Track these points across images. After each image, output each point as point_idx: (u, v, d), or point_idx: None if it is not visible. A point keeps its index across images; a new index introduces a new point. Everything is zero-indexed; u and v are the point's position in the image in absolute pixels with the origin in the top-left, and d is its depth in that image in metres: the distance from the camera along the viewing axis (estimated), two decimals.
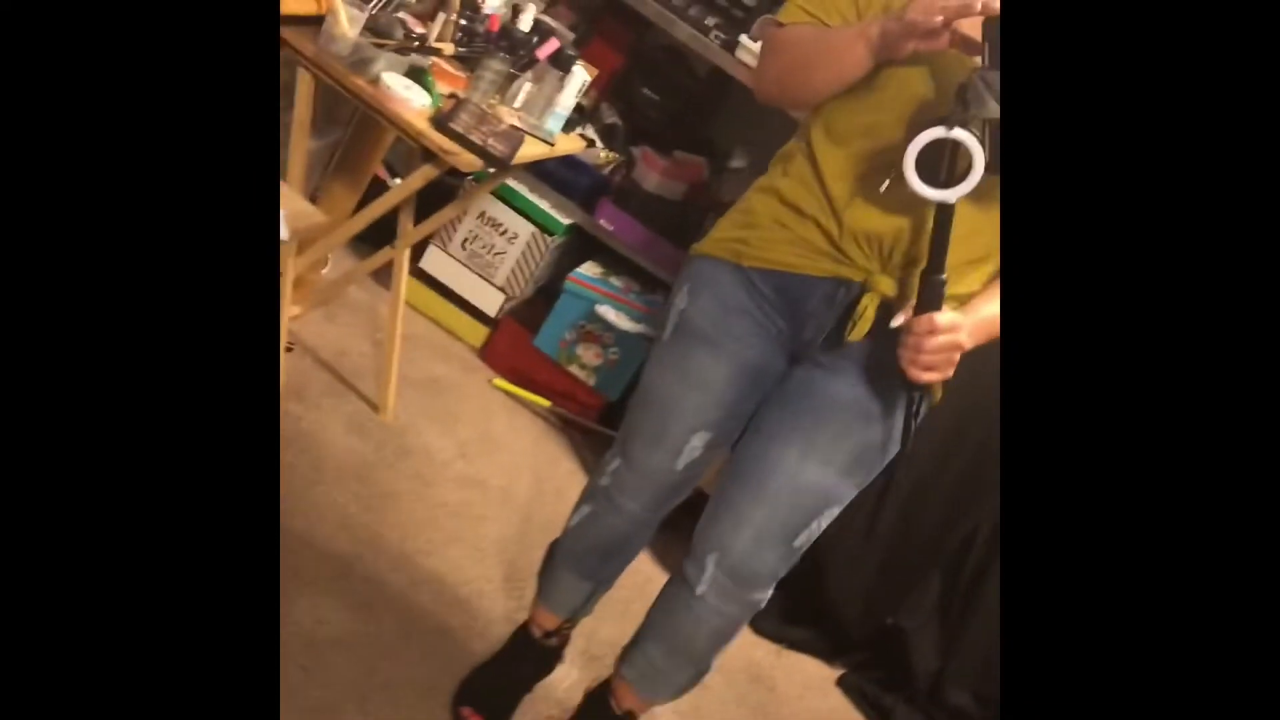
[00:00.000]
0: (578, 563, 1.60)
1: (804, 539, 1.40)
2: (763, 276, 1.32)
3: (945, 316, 1.20)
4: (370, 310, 2.59)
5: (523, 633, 1.70)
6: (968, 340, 1.23)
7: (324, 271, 2.44)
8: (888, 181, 1.19)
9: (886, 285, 1.27)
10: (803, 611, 2.32)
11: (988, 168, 1.10)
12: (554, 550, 1.63)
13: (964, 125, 1.10)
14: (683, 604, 1.48)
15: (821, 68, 1.24)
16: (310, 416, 2.12)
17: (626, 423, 1.48)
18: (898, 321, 1.23)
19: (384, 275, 2.33)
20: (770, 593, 1.47)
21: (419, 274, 2.66)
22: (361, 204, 2.11)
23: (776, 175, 1.34)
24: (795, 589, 2.28)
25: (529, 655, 1.70)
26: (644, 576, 2.25)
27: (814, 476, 1.36)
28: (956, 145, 1.11)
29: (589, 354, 2.58)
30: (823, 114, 1.29)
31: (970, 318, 1.24)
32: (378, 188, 2.27)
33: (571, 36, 2.07)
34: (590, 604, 1.66)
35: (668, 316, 1.40)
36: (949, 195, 1.13)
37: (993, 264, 1.30)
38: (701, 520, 1.45)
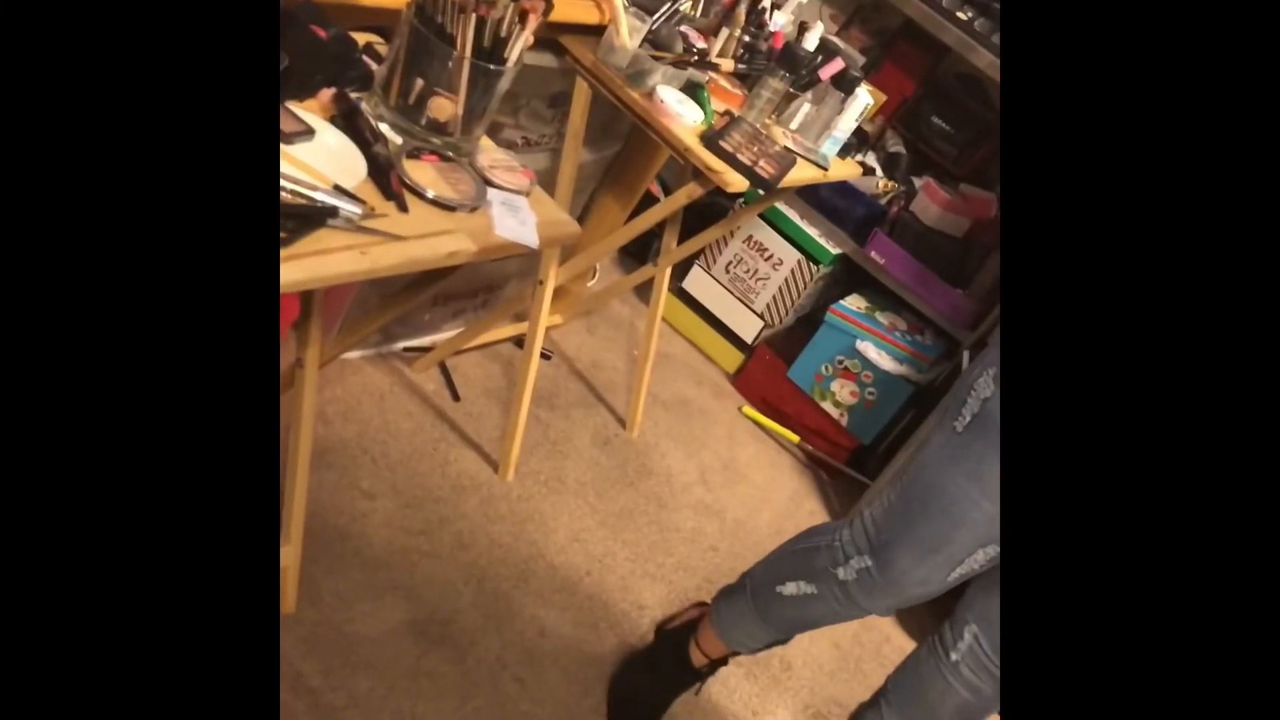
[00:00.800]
0: (777, 624, 1.44)
1: None
2: None
3: None
4: (630, 326, 2.59)
5: (681, 655, 1.58)
6: None
7: (590, 284, 2.46)
8: None
9: None
10: None
11: None
12: (752, 591, 1.45)
13: None
14: (931, 669, 1.36)
15: None
16: (558, 425, 2.13)
17: (891, 521, 1.23)
18: None
19: (646, 292, 2.32)
20: None
21: (680, 294, 2.64)
22: (631, 219, 2.11)
23: None
24: None
25: (680, 665, 1.58)
26: (881, 635, 2.10)
27: None
28: None
29: (844, 391, 2.45)
30: None
31: None
32: (649, 203, 2.26)
33: (860, 59, 1.96)
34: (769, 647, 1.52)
35: (963, 402, 1.18)
36: None
37: None
38: (970, 586, 1.30)
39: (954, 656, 1.33)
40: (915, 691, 1.40)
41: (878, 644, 2.07)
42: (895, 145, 2.60)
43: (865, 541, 1.26)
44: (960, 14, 2.29)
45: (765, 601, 1.43)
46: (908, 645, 2.11)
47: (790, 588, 1.37)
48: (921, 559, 1.21)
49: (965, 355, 2.32)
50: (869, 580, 1.26)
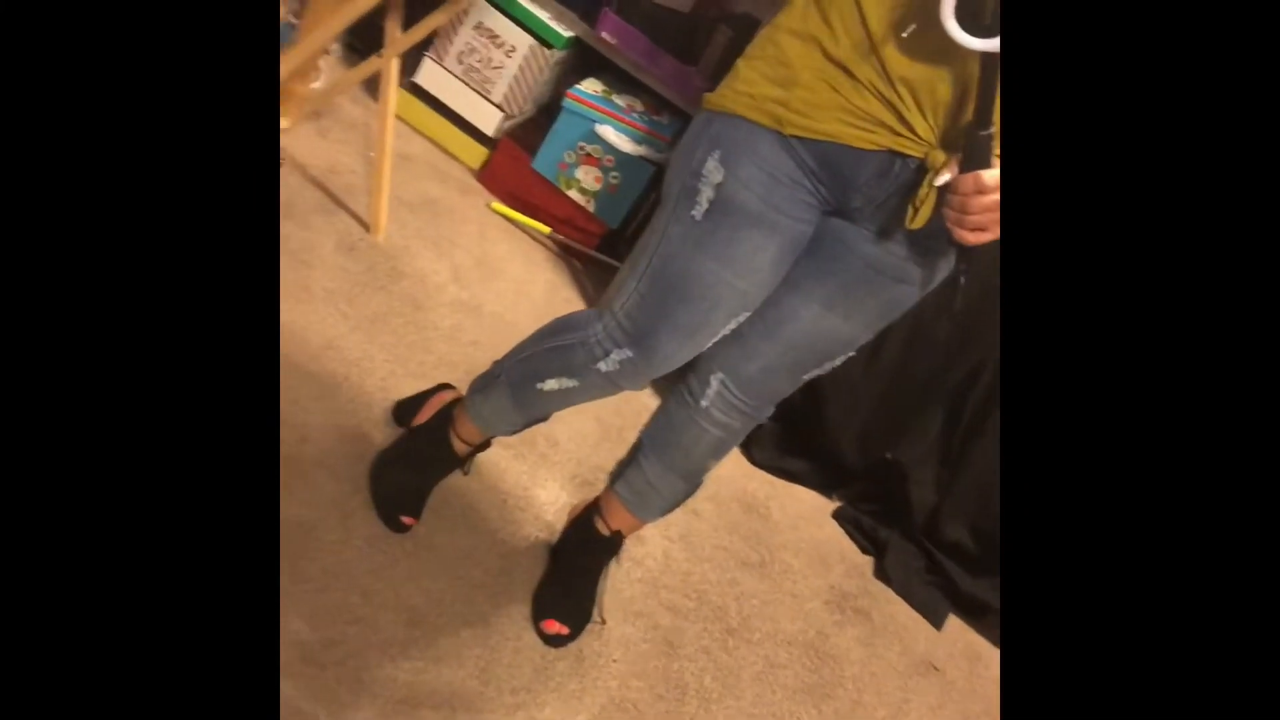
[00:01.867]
0: (537, 410, 1.50)
1: (814, 374, 1.39)
2: (806, 145, 1.17)
3: (992, 174, 1.08)
4: (365, 126, 2.48)
5: (440, 437, 1.64)
6: None
7: (315, 85, 2.33)
8: (912, 27, 1.07)
9: (943, 160, 1.13)
10: (799, 443, 2.29)
11: None
12: (505, 385, 1.49)
13: None
14: (684, 417, 1.47)
15: None
16: (299, 235, 2.06)
17: (648, 311, 1.27)
18: (941, 180, 1.12)
19: (378, 88, 2.22)
20: (772, 410, 1.46)
21: (414, 90, 2.54)
22: None
23: (814, 20, 1.15)
24: (793, 420, 2.26)
25: (441, 456, 1.64)
26: (641, 405, 2.22)
27: (834, 328, 1.32)
28: None
29: (589, 178, 2.48)
30: None
31: None
32: None
33: None
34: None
35: (695, 189, 1.22)
36: (995, 43, 1.01)
37: None
38: (709, 349, 1.38)
39: (704, 403, 1.44)
40: (670, 439, 1.51)
41: (637, 412, 2.19)
42: None
43: (622, 335, 1.30)
44: None
45: (526, 397, 1.47)
46: None
47: (551, 384, 1.41)
48: (684, 342, 1.29)
49: None
50: (632, 367, 1.32)
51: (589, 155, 2.45)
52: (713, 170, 1.21)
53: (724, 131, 1.21)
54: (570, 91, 2.42)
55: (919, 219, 1.16)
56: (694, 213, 1.23)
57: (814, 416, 2.27)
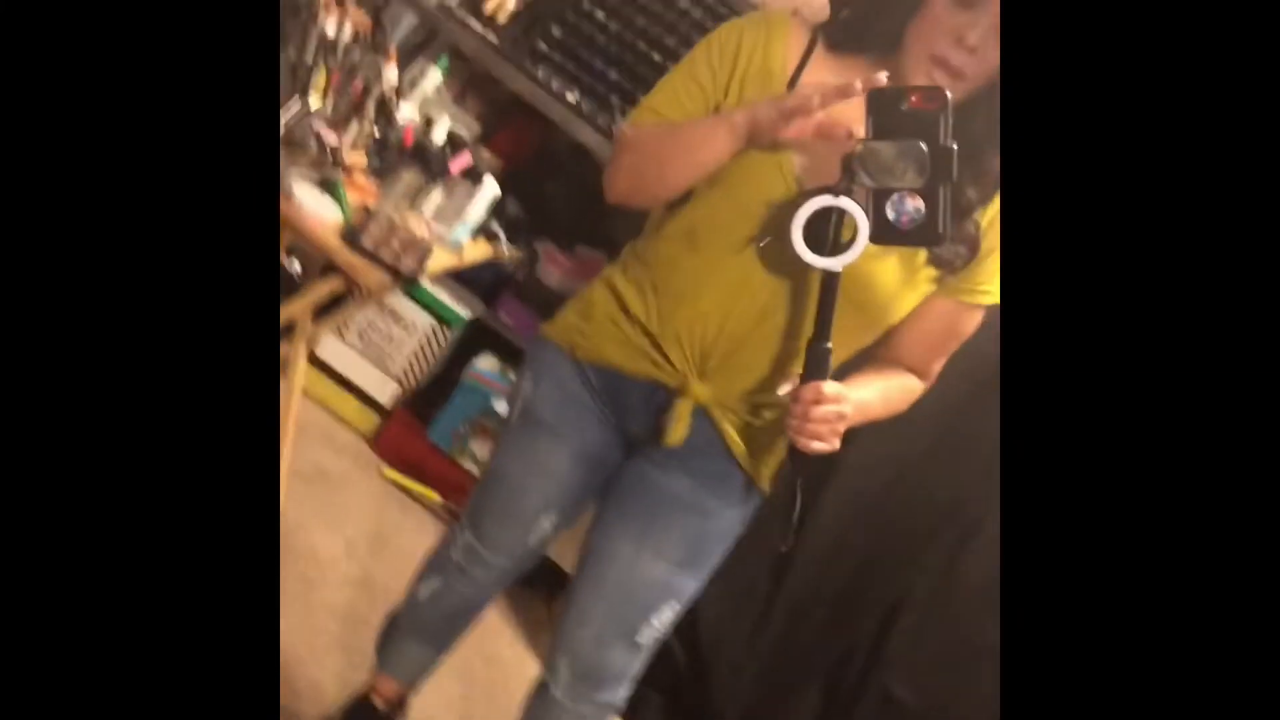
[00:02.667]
0: (426, 632, 1.64)
1: (647, 635, 1.42)
2: (594, 370, 1.36)
3: (831, 386, 1.20)
4: None
5: (364, 704, 1.68)
6: (853, 413, 1.23)
7: None
8: (767, 240, 1.22)
9: (702, 392, 1.30)
10: (685, 714, 2.34)
11: (871, 237, 1.14)
12: (398, 621, 1.65)
13: (849, 194, 1.14)
14: (544, 706, 1.50)
15: (678, 157, 1.26)
16: None
17: (476, 501, 1.53)
18: (784, 390, 1.24)
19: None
20: (623, 692, 1.48)
21: (311, 359, 2.61)
22: None
23: (617, 270, 1.38)
24: (678, 691, 2.32)
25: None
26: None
27: (649, 570, 1.39)
28: (842, 214, 1.14)
29: (483, 449, 2.57)
30: (662, 212, 1.34)
31: (854, 392, 1.25)
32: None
33: (485, 155, 2.07)
34: (433, 668, 1.69)
35: (515, 400, 1.46)
36: (835, 263, 1.16)
37: (874, 334, 1.33)
38: (557, 618, 1.49)
39: (556, 692, 1.47)
40: None
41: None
42: (514, 209, 2.75)
43: (467, 521, 1.53)
44: (569, 95, 2.48)
45: (410, 616, 1.63)
46: None
47: (424, 590, 1.60)
48: (502, 525, 1.48)
49: None
50: (471, 551, 1.51)
51: (484, 427, 2.55)
52: (526, 386, 1.43)
53: (539, 354, 1.43)
54: (473, 370, 2.54)
55: (672, 435, 1.31)
56: (511, 419, 1.46)
57: (699, 688, 2.33)
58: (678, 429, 1.31)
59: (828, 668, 2.30)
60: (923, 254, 1.25)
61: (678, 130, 1.27)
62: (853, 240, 1.14)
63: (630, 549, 1.40)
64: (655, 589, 1.41)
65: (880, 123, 1.11)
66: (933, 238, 1.13)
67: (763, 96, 1.24)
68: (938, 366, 1.37)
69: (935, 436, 2.16)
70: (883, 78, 1.11)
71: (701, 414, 1.32)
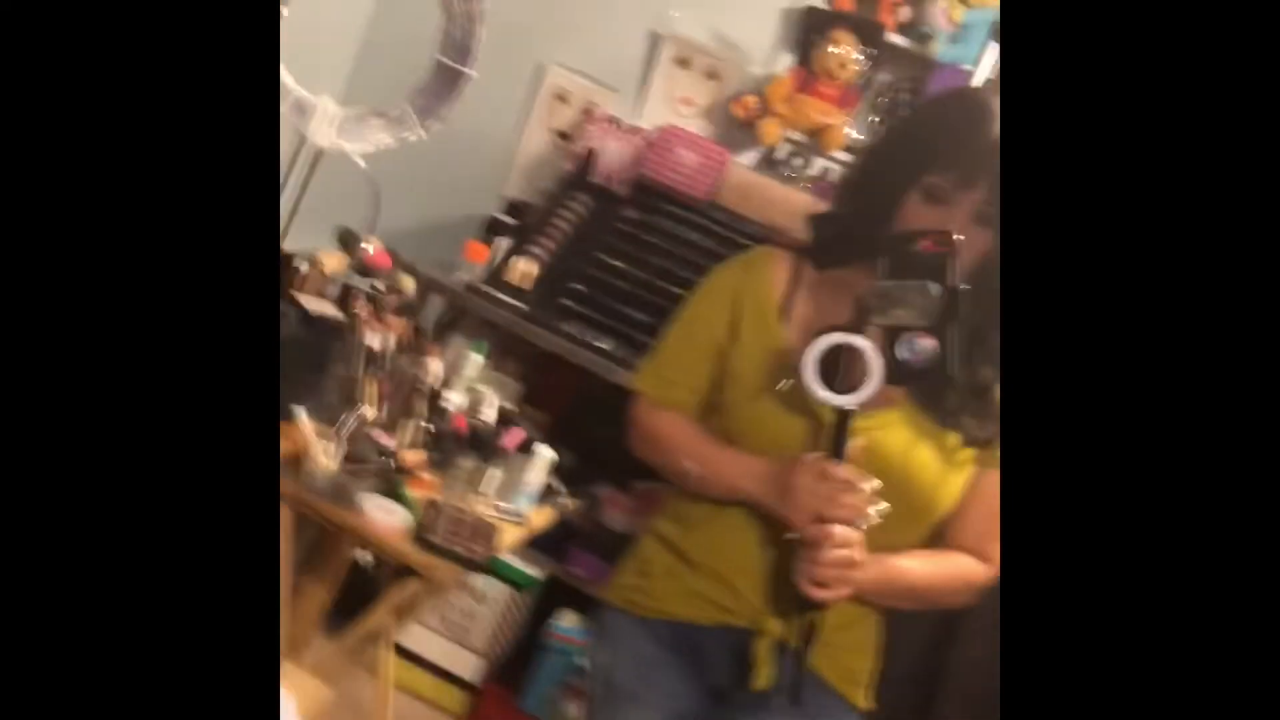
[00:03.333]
0: None
1: None
2: (663, 626, 1.33)
3: (840, 529, 1.18)
4: (347, 698, 2.50)
5: None
6: (863, 562, 1.20)
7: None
8: (785, 382, 1.23)
9: (774, 627, 1.27)
10: None
11: (886, 376, 1.15)
12: None
13: (860, 333, 1.16)
14: None
15: (705, 484, 1.30)
16: None
17: None
18: (793, 535, 1.22)
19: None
20: None
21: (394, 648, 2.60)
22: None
23: (667, 520, 1.37)
24: None
25: None
26: None
27: None
28: (854, 353, 1.16)
29: (578, 709, 2.50)
30: None
31: (877, 557, 1.22)
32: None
33: (538, 435, 2.11)
34: None
35: (594, 673, 1.41)
36: (849, 401, 1.16)
37: (927, 525, 1.30)
38: None
39: None
40: None
41: None
42: (568, 460, 2.79)
43: None
44: (601, 344, 2.55)
45: None
46: None
47: None
48: None
49: None
50: None
51: (574, 687, 2.49)
52: (601, 657, 1.39)
53: (604, 622, 1.40)
54: (554, 631, 2.51)
55: (759, 679, 1.26)
56: (595, 695, 1.39)
57: None
58: (763, 672, 1.28)
59: None
60: (955, 436, 1.26)
61: (705, 459, 1.30)
62: (864, 380, 1.15)
63: None
64: None
65: (891, 264, 1.15)
66: (945, 376, 1.15)
67: (760, 331, 1.30)
68: (995, 547, 1.31)
69: None
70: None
71: (785, 648, 1.29)
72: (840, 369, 1.18)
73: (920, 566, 1.29)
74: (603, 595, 1.43)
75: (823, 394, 1.17)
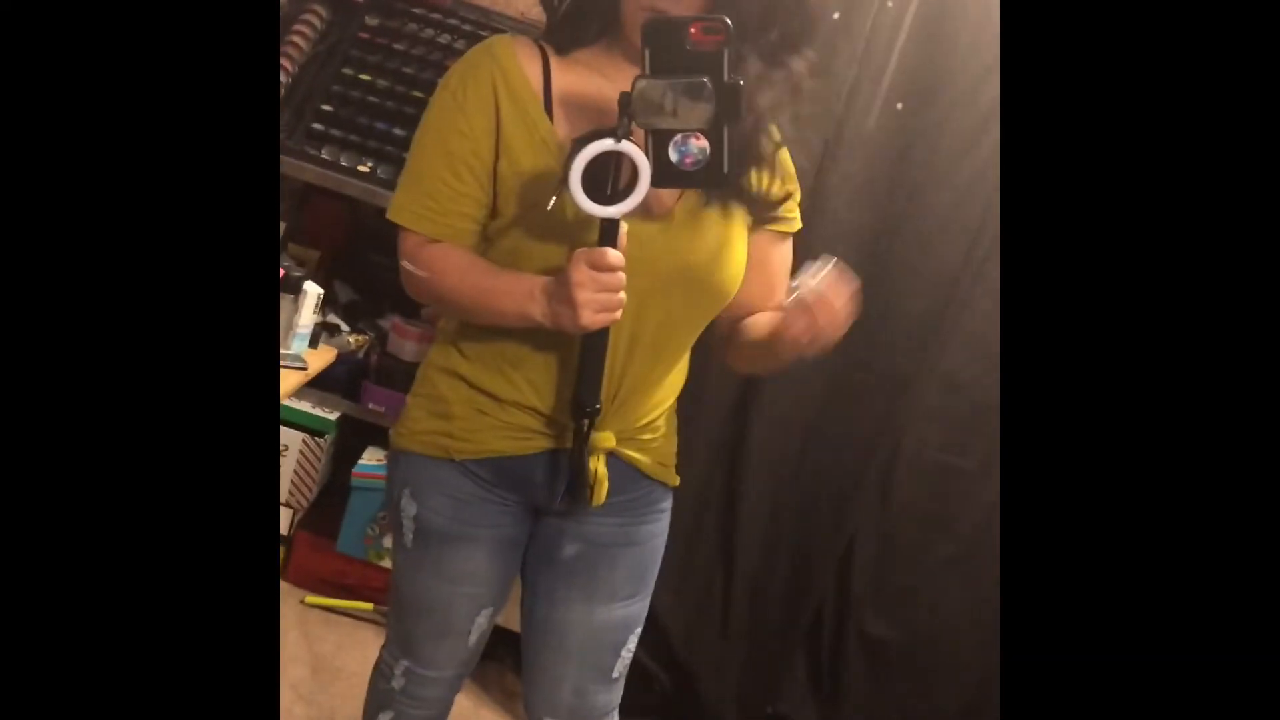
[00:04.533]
0: None
1: (620, 667, 1.42)
2: (478, 464, 1.30)
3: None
4: None
5: None
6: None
7: None
8: (554, 200, 1.14)
9: (606, 440, 1.27)
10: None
11: (653, 180, 1.08)
12: None
13: (628, 137, 1.07)
14: None
15: (482, 314, 1.23)
16: None
17: (399, 628, 1.43)
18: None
19: None
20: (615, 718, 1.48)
21: None
22: None
23: (454, 355, 1.29)
24: (670, 701, 2.29)
25: None
26: None
27: (605, 616, 1.38)
28: (621, 158, 1.09)
29: None
30: None
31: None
32: None
33: (302, 273, 1.96)
34: None
35: (400, 522, 1.35)
36: (615, 211, 1.09)
37: (720, 308, 1.29)
38: (524, 688, 1.46)
39: None
40: None
41: None
42: (347, 295, 2.64)
43: (398, 649, 1.43)
44: (361, 166, 2.38)
45: None
46: None
47: None
48: (439, 642, 1.40)
49: None
50: (414, 677, 1.42)
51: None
52: (406, 504, 1.34)
53: (407, 469, 1.34)
54: (359, 470, 2.44)
55: (598, 497, 1.29)
56: (405, 542, 1.36)
57: (689, 693, 2.30)
58: (600, 489, 1.27)
59: (803, 631, 2.30)
60: (741, 215, 1.24)
61: (480, 286, 1.20)
62: (633, 186, 1.08)
63: (582, 608, 1.37)
64: (616, 629, 1.40)
65: (658, 58, 1.04)
66: (717, 179, 1.08)
67: (524, 122, 1.20)
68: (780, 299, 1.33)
69: (826, 379, 2.17)
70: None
71: (610, 455, 1.29)
72: (610, 173, 1.09)
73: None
74: (399, 443, 1.35)
75: (589, 206, 1.08)
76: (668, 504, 1.40)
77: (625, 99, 1.05)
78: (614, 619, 1.39)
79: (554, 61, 1.23)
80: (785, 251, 1.33)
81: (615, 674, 1.42)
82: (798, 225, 1.33)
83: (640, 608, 1.41)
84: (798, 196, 1.32)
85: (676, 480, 1.40)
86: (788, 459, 2.23)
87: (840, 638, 2.28)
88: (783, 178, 1.27)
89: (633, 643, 1.42)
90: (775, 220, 1.30)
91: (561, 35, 1.24)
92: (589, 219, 1.11)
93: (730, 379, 2.16)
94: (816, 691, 2.32)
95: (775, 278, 1.32)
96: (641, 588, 1.40)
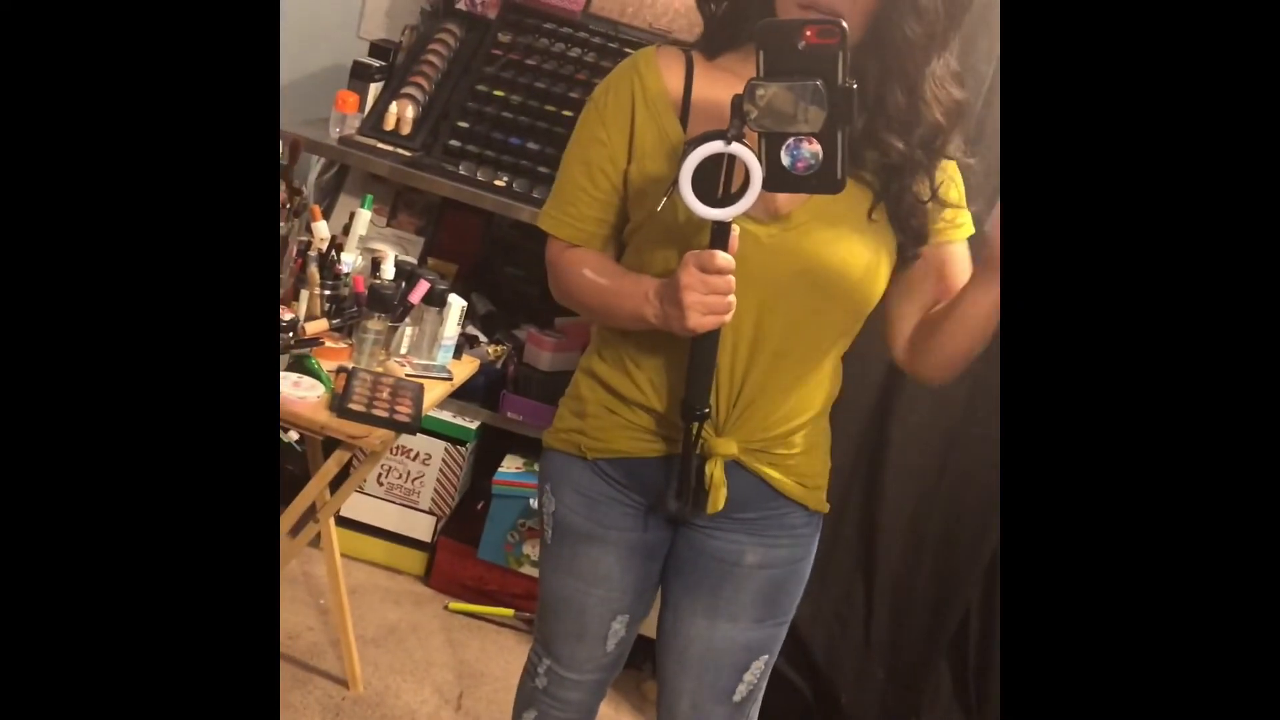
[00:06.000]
0: None
1: (743, 691, 1.40)
2: (609, 464, 1.32)
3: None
4: (306, 576, 2.47)
5: None
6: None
7: None
8: (664, 201, 1.14)
9: (726, 446, 1.26)
10: None
11: (765, 185, 1.06)
12: None
13: (740, 139, 1.06)
14: None
15: (607, 316, 1.27)
16: (283, 717, 2.00)
17: (542, 626, 1.46)
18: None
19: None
20: None
21: (341, 521, 2.56)
22: None
23: (594, 357, 1.34)
24: (812, 711, 2.26)
25: None
26: None
27: (727, 636, 1.36)
28: (733, 161, 1.07)
29: (536, 550, 2.51)
30: None
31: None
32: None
33: (445, 285, 1.98)
34: None
35: (542, 519, 1.40)
36: (725, 214, 1.08)
37: (859, 315, 1.28)
38: (658, 693, 1.46)
39: None
40: None
41: None
42: (485, 306, 2.71)
43: (541, 649, 1.47)
44: (496, 181, 2.43)
45: None
46: None
47: None
48: (576, 644, 1.42)
49: None
50: (554, 676, 1.45)
51: (531, 529, 2.50)
52: (547, 502, 1.38)
53: (549, 466, 1.39)
54: (496, 477, 2.49)
55: (713, 503, 1.26)
56: (546, 539, 1.40)
57: (832, 709, 2.27)
58: (717, 495, 1.27)
59: (947, 641, 2.24)
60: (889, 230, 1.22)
61: (610, 293, 1.24)
62: (745, 189, 1.06)
63: (704, 622, 1.37)
64: (739, 652, 1.38)
65: (772, 61, 1.03)
66: (831, 184, 1.06)
67: (657, 127, 1.21)
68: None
69: (968, 382, 2.11)
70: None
71: (736, 467, 1.28)
72: (720, 175, 1.08)
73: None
74: (546, 441, 1.40)
75: (697, 207, 1.08)
76: (810, 530, 1.37)
77: (737, 101, 1.05)
78: (737, 640, 1.37)
79: (698, 68, 1.25)
80: (959, 255, 1.29)
81: (737, 697, 1.39)
82: (969, 231, 1.29)
83: (770, 634, 1.38)
84: (962, 202, 1.28)
85: (824, 506, 1.37)
86: (929, 465, 2.18)
87: (986, 649, 2.22)
88: (947, 186, 1.24)
89: (759, 667, 1.39)
90: (941, 231, 1.26)
91: (717, 40, 1.25)
92: (702, 221, 1.11)
93: (868, 383, 2.12)
94: (962, 703, 2.25)
95: (953, 281, 1.28)
96: (774, 613, 1.37)
